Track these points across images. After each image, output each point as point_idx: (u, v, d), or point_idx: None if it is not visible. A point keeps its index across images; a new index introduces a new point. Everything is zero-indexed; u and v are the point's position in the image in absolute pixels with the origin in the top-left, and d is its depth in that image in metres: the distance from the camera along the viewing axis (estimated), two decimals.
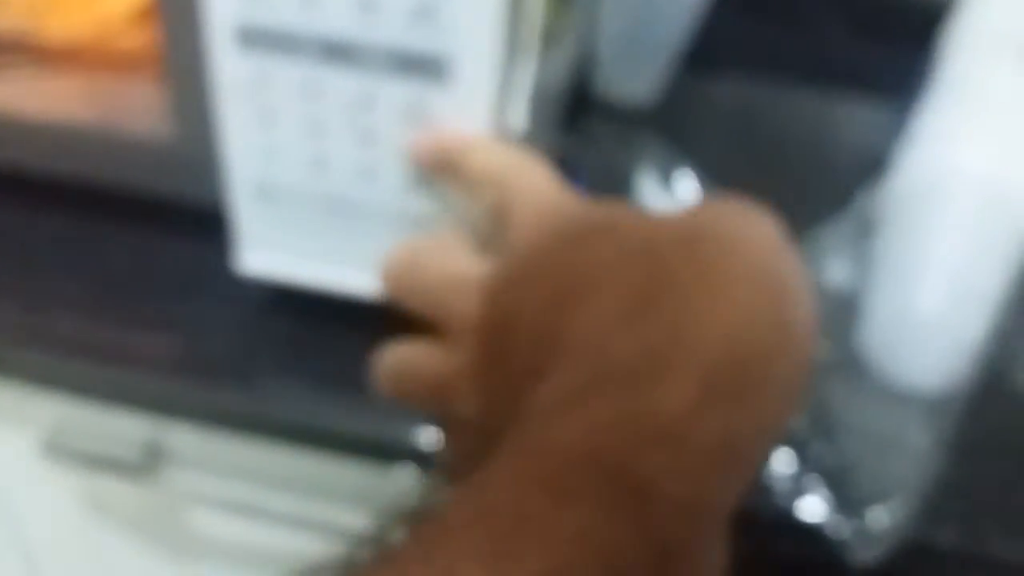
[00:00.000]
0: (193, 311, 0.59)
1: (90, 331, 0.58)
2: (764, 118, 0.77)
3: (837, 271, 0.59)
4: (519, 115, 0.47)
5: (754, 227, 0.32)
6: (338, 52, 0.45)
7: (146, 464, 0.63)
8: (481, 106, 0.46)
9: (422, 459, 0.54)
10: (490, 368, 0.34)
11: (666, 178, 0.59)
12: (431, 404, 0.38)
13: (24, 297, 0.60)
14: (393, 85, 0.46)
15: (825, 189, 0.68)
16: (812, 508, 0.50)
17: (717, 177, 0.63)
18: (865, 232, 0.59)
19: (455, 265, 0.37)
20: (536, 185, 0.39)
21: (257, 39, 0.46)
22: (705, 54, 0.75)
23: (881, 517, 0.50)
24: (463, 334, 0.35)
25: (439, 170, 0.46)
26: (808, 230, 0.59)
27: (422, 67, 0.45)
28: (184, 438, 0.62)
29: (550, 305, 0.31)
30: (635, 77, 0.73)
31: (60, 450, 0.63)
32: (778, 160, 0.72)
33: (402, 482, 0.58)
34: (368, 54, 0.45)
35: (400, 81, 0.46)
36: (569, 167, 0.59)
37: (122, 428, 0.62)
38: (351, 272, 0.53)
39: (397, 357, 0.39)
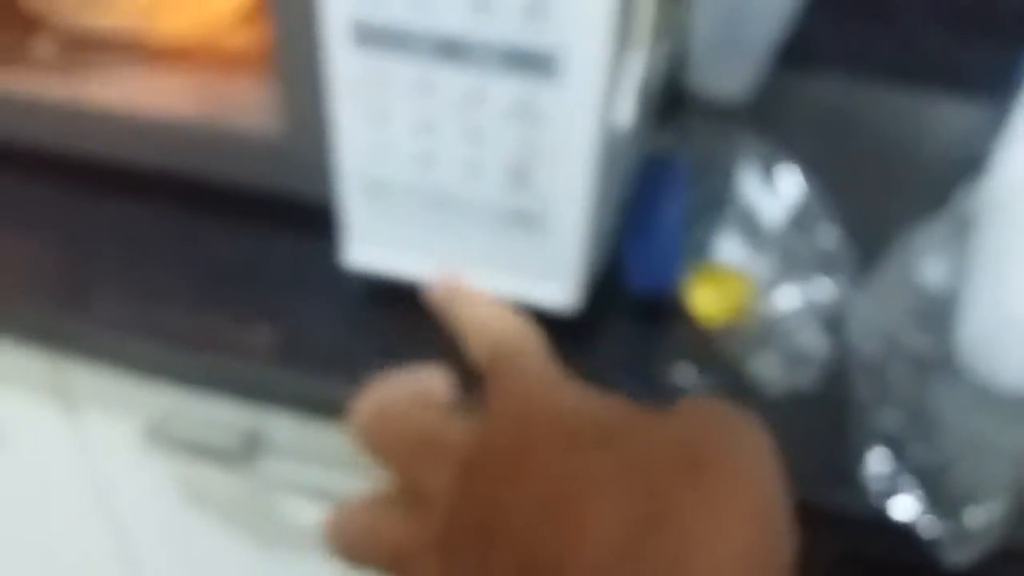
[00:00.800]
0: (298, 304, 0.60)
1: (196, 322, 0.60)
2: (859, 116, 0.77)
3: (933, 270, 0.59)
4: (627, 111, 0.47)
5: (751, 447, 0.32)
6: (450, 49, 0.47)
7: (245, 453, 0.64)
8: (590, 102, 0.46)
9: None
10: (460, 554, 0.31)
11: (768, 173, 0.59)
12: (385, 572, 0.35)
13: (134, 289, 0.62)
14: (503, 82, 0.47)
15: (921, 187, 0.67)
16: (906, 507, 0.50)
17: (812, 171, 0.63)
18: (962, 231, 0.59)
19: (427, 423, 0.35)
20: (528, 363, 0.37)
21: (371, 37, 0.47)
22: (800, 52, 0.76)
23: (976, 517, 0.50)
24: (431, 503, 0.33)
25: (441, 310, 0.45)
26: (904, 228, 0.59)
27: (532, 63, 0.46)
28: (282, 427, 0.64)
29: (542, 518, 0.30)
30: (729, 74, 0.74)
31: (162, 438, 0.65)
32: (873, 158, 0.72)
33: None
34: (479, 51, 0.46)
35: (510, 78, 0.47)
36: (667, 160, 0.60)
37: (223, 417, 0.64)
38: (452, 266, 0.54)
39: (351, 519, 0.35)
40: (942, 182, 0.62)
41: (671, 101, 0.72)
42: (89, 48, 0.67)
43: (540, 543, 0.29)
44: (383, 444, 0.35)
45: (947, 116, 0.77)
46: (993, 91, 0.65)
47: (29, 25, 0.68)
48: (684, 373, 0.56)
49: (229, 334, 0.59)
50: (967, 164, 0.61)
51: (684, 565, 0.28)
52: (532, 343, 0.39)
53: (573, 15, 0.44)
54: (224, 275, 0.62)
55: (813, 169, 0.60)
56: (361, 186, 0.53)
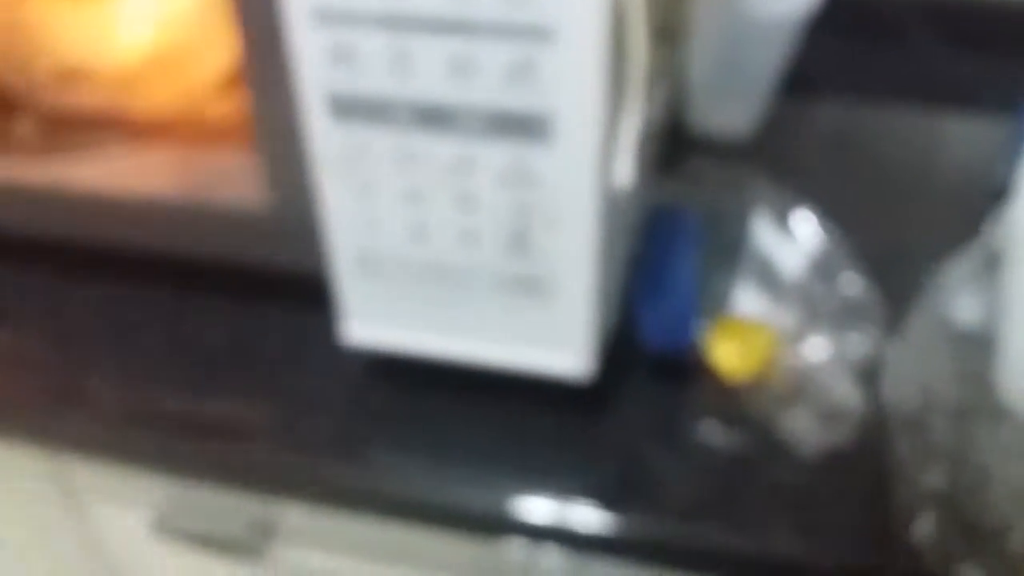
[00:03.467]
0: (296, 383, 0.58)
1: (195, 408, 0.57)
2: (869, 142, 0.73)
3: (968, 309, 0.55)
4: (627, 169, 0.44)
5: None
6: (433, 117, 0.44)
7: (255, 542, 0.61)
8: (586, 163, 0.43)
9: (530, 532, 0.52)
10: None
11: (783, 219, 0.56)
12: None
13: (129, 377, 0.59)
14: (492, 147, 0.44)
15: (940, 214, 0.64)
16: (967, 572, 0.47)
17: (827, 208, 0.60)
18: (993, 264, 0.56)
19: None
20: None
21: (349, 109, 0.44)
22: (805, 80, 0.72)
23: None
24: None
25: None
26: (928, 263, 0.56)
27: (522, 127, 0.43)
28: (292, 515, 0.61)
29: None
30: (733, 111, 0.71)
31: (169, 529, 0.62)
32: (887, 184, 0.69)
33: (511, 555, 0.55)
34: (464, 117, 0.43)
35: (499, 142, 0.44)
36: (676, 211, 0.57)
37: (230, 506, 0.61)
38: (455, 339, 0.51)
39: None
40: (962, 207, 0.58)
41: (674, 144, 0.69)
42: (69, 127, 0.64)
43: None
44: None
45: (961, 136, 0.73)
46: (1007, 108, 0.62)
47: (7, 107, 0.65)
48: (712, 432, 0.53)
49: (230, 420, 0.56)
50: (986, 187, 0.58)
51: None
52: None
53: (561, 75, 0.41)
54: (219, 356, 0.60)
55: (826, 204, 0.57)
56: (354, 261, 0.50)
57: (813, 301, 0.53)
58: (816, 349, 0.53)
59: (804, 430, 0.52)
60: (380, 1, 0.41)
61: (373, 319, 0.52)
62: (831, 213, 0.57)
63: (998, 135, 0.70)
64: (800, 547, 0.49)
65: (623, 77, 0.43)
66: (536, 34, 0.40)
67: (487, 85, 0.42)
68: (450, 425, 0.54)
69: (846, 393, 0.52)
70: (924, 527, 0.48)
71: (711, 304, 0.55)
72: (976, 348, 0.53)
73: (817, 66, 0.74)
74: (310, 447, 0.54)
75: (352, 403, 0.56)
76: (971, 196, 0.60)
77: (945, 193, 0.68)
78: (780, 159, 0.69)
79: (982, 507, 0.48)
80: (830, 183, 0.67)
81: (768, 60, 0.68)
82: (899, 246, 0.60)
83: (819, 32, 0.71)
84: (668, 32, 0.51)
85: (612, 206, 0.47)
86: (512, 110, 0.42)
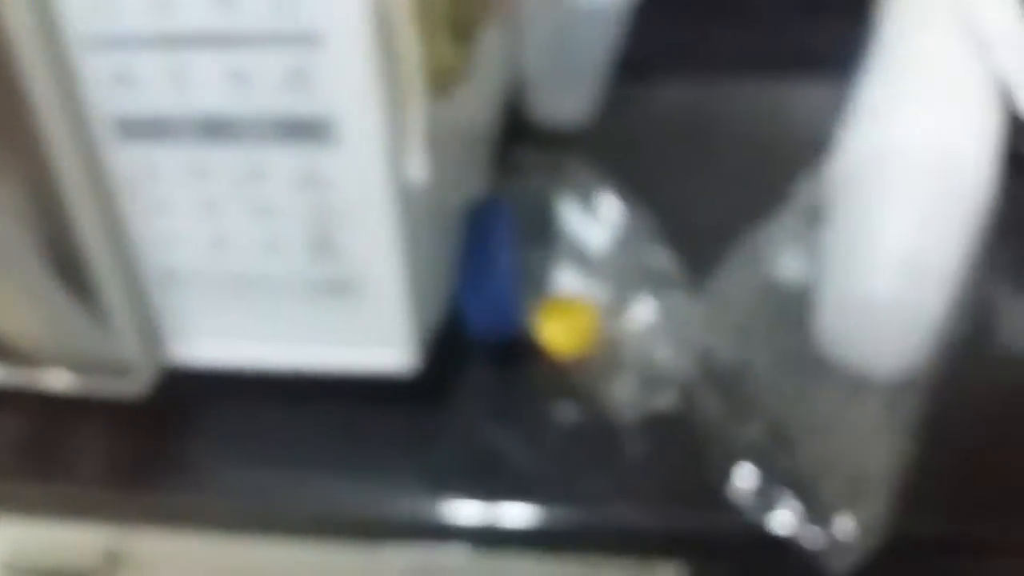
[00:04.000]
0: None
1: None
2: (710, 116, 0.74)
3: (789, 264, 0.57)
4: (419, 164, 0.45)
5: None
6: (218, 130, 0.44)
7: (107, 572, 0.61)
8: (375, 162, 0.44)
9: (384, 530, 0.52)
10: None
11: (588, 200, 0.57)
12: None
13: None
14: (280, 154, 0.44)
15: (778, 179, 0.66)
16: (783, 520, 0.48)
17: (662, 185, 0.61)
18: (813, 219, 0.57)
19: None
20: None
21: (135, 129, 0.45)
22: (641, 60, 0.73)
23: (848, 524, 0.48)
24: None
25: None
26: (757, 224, 0.57)
27: (306, 131, 0.43)
28: (142, 543, 0.61)
29: None
30: (566, 98, 0.72)
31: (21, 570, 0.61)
32: (726, 158, 0.70)
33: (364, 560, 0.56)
34: (249, 127, 0.44)
35: (287, 149, 0.44)
36: (492, 200, 0.58)
37: (78, 539, 0.61)
38: (276, 348, 0.51)
39: None
40: (797, 174, 0.60)
41: (513, 135, 0.70)
42: None
43: None
44: None
45: (802, 101, 0.75)
46: (844, 70, 0.63)
47: None
48: (547, 409, 0.54)
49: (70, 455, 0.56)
50: (818, 148, 0.59)
51: None
52: None
53: (336, 78, 0.42)
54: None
55: (662, 178, 0.58)
56: (162, 281, 0.50)
57: (623, 275, 0.55)
58: (633, 320, 0.55)
59: (630, 398, 0.53)
60: (152, 21, 0.42)
61: (189, 336, 0.52)
62: (650, 191, 0.59)
63: (834, 97, 0.72)
64: (632, 516, 0.50)
65: (401, 76, 0.43)
66: (306, 40, 0.41)
67: (266, 94, 0.43)
68: (290, 436, 0.54)
69: (666, 358, 0.54)
70: (743, 481, 0.50)
71: (533, 287, 0.56)
72: (795, 302, 0.55)
73: (654, 48, 0.75)
74: (151, 475, 0.55)
75: (184, 424, 0.56)
76: (805, 161, 0.61)
77: (784, 159, 0.69)
78: (610, 143, 0.70)
79: (799, 457, 0.50)
80: (669, 157, 0.69)
81: (597, 46, 0.70)
82: (721, 216, 0.61)
83: (653, 12, 0.72)
84: (464, 28, 0.51)
85: (412, 201, 0.47)
86: (294, 116, 0.43)
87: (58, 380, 0.53)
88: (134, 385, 0.52)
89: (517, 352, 0.56)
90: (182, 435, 0.56)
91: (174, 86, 0.43)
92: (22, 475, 0.55)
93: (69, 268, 0.48)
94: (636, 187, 0.60)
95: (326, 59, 0.41)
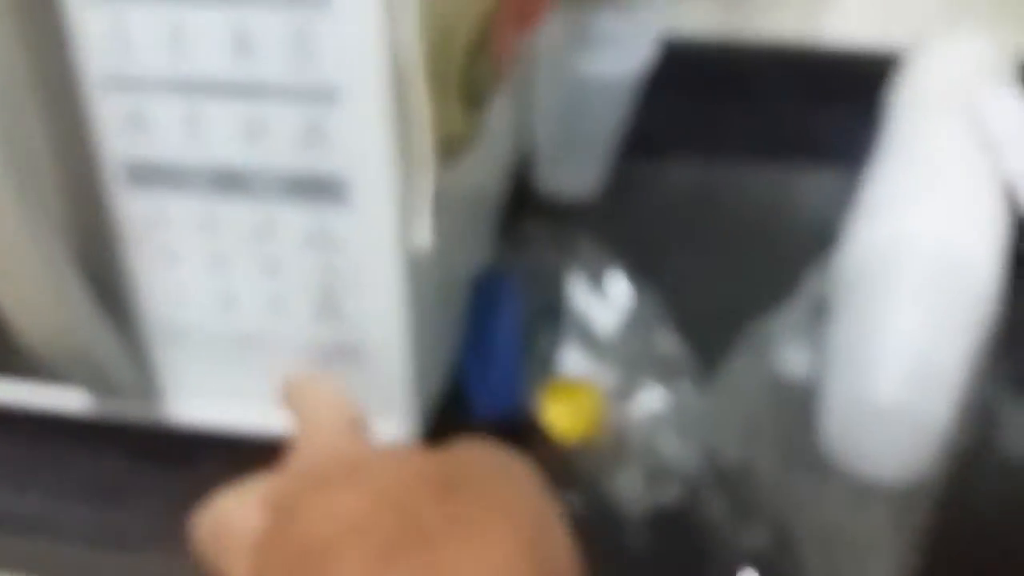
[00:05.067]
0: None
1: None
2: (717, 198, 0.74)
3: (796, 358, 0.56)
4: (423, 231, 0.44)
5: (510, 473, 0.34)
6: (231, 181, 0.43)
7: None
8: (384, 226, 0.43)
9: None
10: None
11: (597, 280, 0.57)
12: None
13: None
14: (292, 210, 0.44)
15: (784, 265, 0.65)
16: None
17: (668, 265, 0.60)
18: (819, 314, 0.57)
19: (243, 523, 0.36)
20: (319, 426, 0.40)
21: (147, 175, 0.44)
22: (649, 138, 0.73)
23: None
24: None
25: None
26: (760, 316, 0.56)
27: (318, 189, 0.43)
28: None
29: (295, 568, 0.31)
30: (574, 171, 0.72)
31: None
32: (731, 242, 0.69)
33: None
34: (262, 180, 0.43)
35: (298, 205, 0.44)
36: (499, 273, 0.57)
37: None
38: (272, 409, 0.50)
39: None
40: (801, 261, 0.59)
41: (519, 206, 0.69)
42: None
43: None
44: (216, 550, 0.37)
45: (807, 189, 0.74)
46: (851, 160, 0.63)
47: None
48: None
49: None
50: (826, 240, 0.59)
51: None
52: (330, 406, 0.41)
53: (350, 136, 0.41)
54: None
55: (665, 260, 0.58)
56: (164, 336, 0.49)
57: (631, 359, 0.54)
58: (640, 408, 0.54)
59: (633, 490, 0.52)
60: (170, 65, 0.41)
61: (189, 394, 0.51)
62: (656, 271, 0.58)
63: (840, 186, 0.72)
64: None
65: (411, 140, 0.43)
66: (322, 95, 0.41)
67: (280, 148, 0.42)
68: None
69: (672, 450, 0.52)
70: None
71: (538, 365, 0.55)
72: (801, 399, 0.54)
73: (662, 124, 0.75)
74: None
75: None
76: (812, 250, 0.60)
77: (787, 247, 0.69)
78: (622, 218, 0.69)
79: (802, 564, 0.48)
80: (672, 238, 0.68)
81: (606, 120, 0.70)
82: (726, 301, 0.61)
83: (664, 91, 0.72)
84: (475, 95, 0.51)
85: (419, 269, 0.46)
86: (307, 172, 0.43)
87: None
88: None
89: (520, 432, 0.55)
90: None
91: (188, 133, 0.43)
92: None
93: None
94: (642, 265, 0.59)
95: (341, 115, 0.41)
